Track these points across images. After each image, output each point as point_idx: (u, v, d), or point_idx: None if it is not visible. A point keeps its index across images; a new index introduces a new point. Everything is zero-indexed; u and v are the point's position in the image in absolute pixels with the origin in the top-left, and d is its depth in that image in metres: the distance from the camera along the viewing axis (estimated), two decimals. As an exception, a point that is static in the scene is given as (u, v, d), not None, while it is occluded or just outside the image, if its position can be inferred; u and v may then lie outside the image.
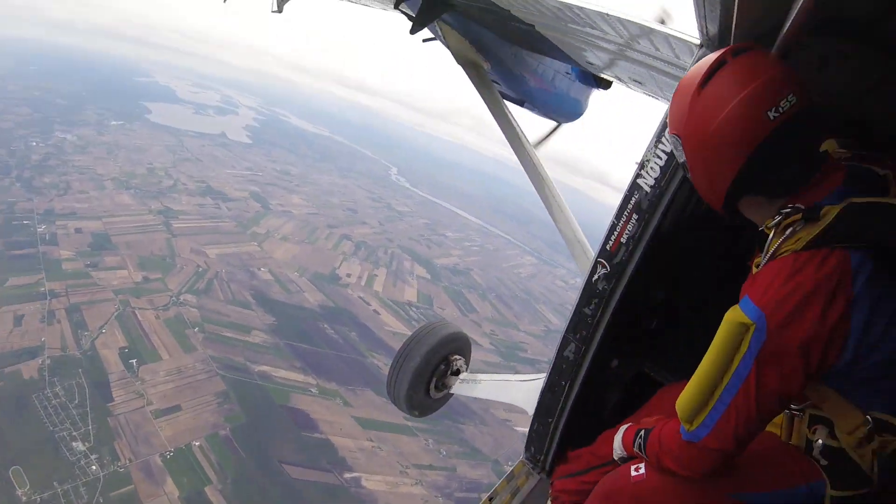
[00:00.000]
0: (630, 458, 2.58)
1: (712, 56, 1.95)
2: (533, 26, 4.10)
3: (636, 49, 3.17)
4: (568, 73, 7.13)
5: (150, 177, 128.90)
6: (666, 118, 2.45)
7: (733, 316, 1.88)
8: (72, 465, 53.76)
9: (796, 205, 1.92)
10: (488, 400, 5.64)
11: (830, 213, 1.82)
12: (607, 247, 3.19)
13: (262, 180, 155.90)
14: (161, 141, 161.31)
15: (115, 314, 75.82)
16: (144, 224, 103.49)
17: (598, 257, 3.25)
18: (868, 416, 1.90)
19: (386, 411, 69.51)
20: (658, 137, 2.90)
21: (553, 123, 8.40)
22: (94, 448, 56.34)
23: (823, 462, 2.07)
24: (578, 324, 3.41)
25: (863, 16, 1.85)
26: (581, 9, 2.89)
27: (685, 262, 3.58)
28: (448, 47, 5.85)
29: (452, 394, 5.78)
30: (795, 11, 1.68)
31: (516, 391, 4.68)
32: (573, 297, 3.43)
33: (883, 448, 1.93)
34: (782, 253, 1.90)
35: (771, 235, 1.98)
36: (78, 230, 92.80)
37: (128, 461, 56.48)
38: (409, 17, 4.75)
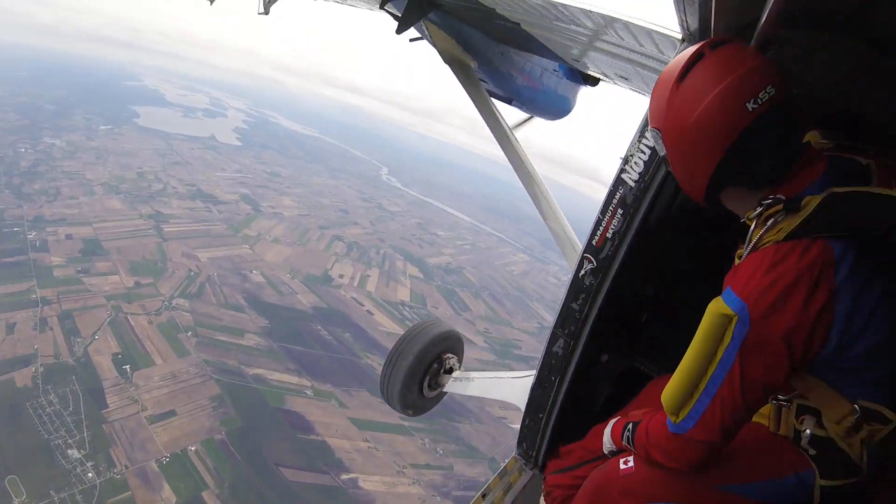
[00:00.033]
0: (620, 452, 2.59)
1: (690, 49, 1.96)
2: (518, 24, 4.12)
3: (620, 45, 3.18)
4: (555, 71, 7.16)
5: (139, 181, 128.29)
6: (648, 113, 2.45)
7: (716, 307, 1.88)
8: (68, 472, 53.41)
9: (777, 196, 1.93)
10: (483, 398, 5.65)
11: (811, 203, 1.83)
12: (593, 242, 3.22)
13: (252, 182, 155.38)
14: (150, 145, 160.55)
15: (108, 320, 75.40)
16: (135, 229, 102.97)
17: (584, 252, 3.27)
18: (856, 406, 1.91)
19: (381, 412, 69.29)
20: (641, 132, 2.93)
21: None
22: (90, 455, 55.99)
23: (812, 452, 2.08)
24: (566, 319, 3.43)
25: (843, 7, 1.86)
26: (564, 6, 2.90)
27: (674, 257, 3.61)
28: (435, 46, 5.84)
29: (446, 392, 5.80)
30: (772, 3, 1.69)
31: (509, 388, 4.69)
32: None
33: (871, 437, 1.94)
34: (764, 244, 1.91)
35: (752, 227, 2.00)
36: (68, 236, 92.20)
37: (124, 468, 56.14)
38: (395, 17, 4.76)
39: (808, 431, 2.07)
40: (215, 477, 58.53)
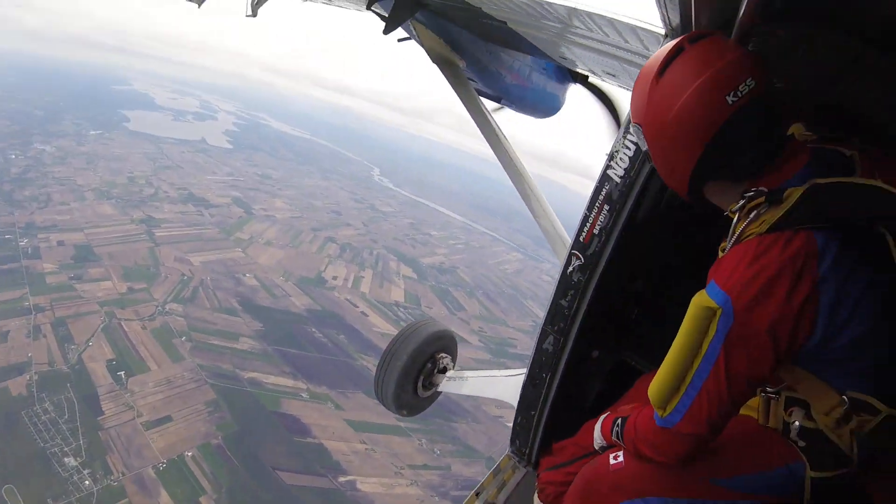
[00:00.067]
0: (610, 447, 2.59)
1: (670, 44, 1.96)
2: (505, 23, 4.12)
3: (606, 42, 3.18)
4: (544, 69, 7.15)
5: (130, 186, 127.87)
6: None
7: (700, 300, 1.87)
8: (65, 480, 53.19)
9: (759, 188, 1.93)
10: (479, 397, 5.67)
11: (794, 194, 1.83)
12: (580, 238, 3.23)
13: (243, 185, 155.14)
14: (141, 149, 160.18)
15: (101, 326, 75.07)
16: (127, 234, 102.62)
17: (571, 249, 3.29)
18: (844, 397, 1.90)
19: (378, 413, 69.19)
20: (626, 128, 2.94)
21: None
22: (87, 463, 55.79)
23: (801, 444, 2.07)
24: (556, 316, 3.46)
25: (827, 0, 1.87)
26: (549, 3, 2.91)
27: (663, 252, 3.63)
28: (423, 46, 5.83)
29: (440, 392, 5.81)
30: None
31: (503, 386, 4.70)
32: (556, 290, 3.43)
33: (861, 427, 1.92)
34: (747, 236, 1.90)
35: (735, 219, 1.99)
36: (60, 243, 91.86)
37: (121, 474, 55.99)
38: (382, 18, 4.76)
39: (796, 423, 2.06)
40: (212, 482, 58.45)
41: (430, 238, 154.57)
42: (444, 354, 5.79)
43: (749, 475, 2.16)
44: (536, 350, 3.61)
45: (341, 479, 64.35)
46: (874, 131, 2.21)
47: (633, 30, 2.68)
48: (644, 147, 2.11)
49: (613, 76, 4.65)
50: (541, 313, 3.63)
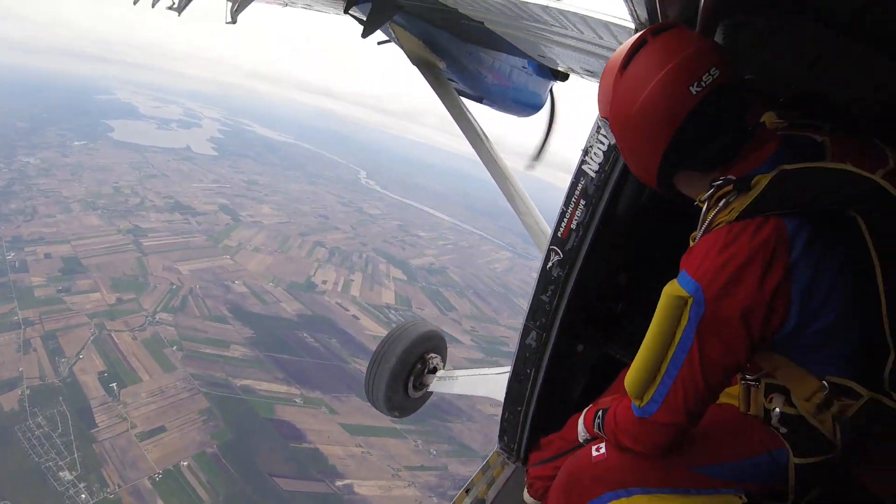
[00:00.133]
0: (594, 439, 2.60)
1: (634, 37, 1.97)
2: (482, 23, 4.14)
3: (581, 39, 3.19)
4: (525, 68, 7.18)
5: (116, 196, 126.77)
6: None
7: (671, 290, 1.87)
8: (61, 495, 52.61)
9: (728, 176, 1.92)
10: (473, 396, 5.71)
11: (762, 181, 1.81)
12: (558, 234, 3.27)
13: (230, 192, 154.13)
14: (125, 159, 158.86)
15: (92, 338, 74.36)
16: (114, 244, 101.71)
17: (550, 245, 3.32)
18: (824, 382, 1.88)
19: (372, 416, 68.55)
20: (598, 124, 2.95)
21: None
22: (82, 476, 55.19)
23: (783, 430, 2.07)
24: (537, 311, 3.48)
25: None
26: (523, 2, 2.92)
27: (647, 245, 3.62)
28: (402, 48, 5.88)
29: (431, 392, 5.85)
30: None
31: (493, 384, 4.73)
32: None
33: (843, 412, 1.89)
34: (716, 225, 1.89)
35: (704, 208, 1.97)
36: (47, 255, 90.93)
37: (117, 487, 55.46)
38: (360, 22, 4.79)
39: (777, 410, 2.07)
40: (209, 491, 58.02)
41: (418, 239, 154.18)
42: (433, 355, 5.82)
43: (731, 463, 2.17)
44: (520, 346, 3.65)
45: (338, 483, 64.03)
46: (847, 119, 2.24)
47: (606, 26, 2.69)
48: (612, 140, 2.13)
49: (592, 73, 4.64)
50: (529, 311, 3.66)
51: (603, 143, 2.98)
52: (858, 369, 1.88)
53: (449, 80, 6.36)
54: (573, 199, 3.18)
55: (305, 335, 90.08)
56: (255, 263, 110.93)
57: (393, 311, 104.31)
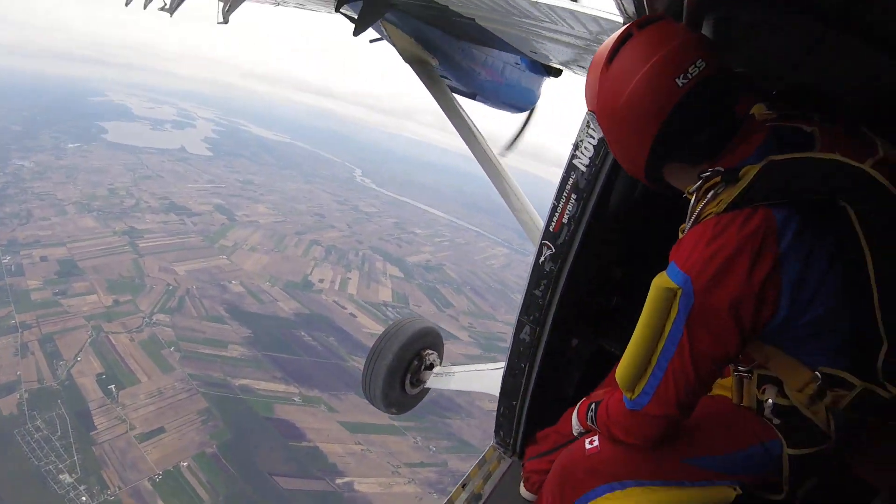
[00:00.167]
0: (588, 432, 2.59)
1: (619, 31, 1.95)
2: (474, 19, 4.12)
3: (572, 34, 3.18)
4: (517, 64, 7.18)
5: (111, 198, 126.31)
6: None
7: (660, 282, 1.86)
8: (61, 497, 52.56)
9: (716, 168, 1.91)
10: (471, 392, 5.72)
11: (750, 172, 1.80)
12: (550, 228, 3.26)
13: (225, 192, 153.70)
14: (120, 160, 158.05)
15: (89, 341, 74.15)
16: (110, 246, 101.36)
17: (542, 239, 3.32)
18: (817, 373, 1.89)
19: (372, 413, 68.39)
20: (588, 118, 2.96)
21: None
22: (82, 479, 55.12)
23: (776, 421, 2.09)
24: (530, 306, 3.49)
25: None
26: None
27: (641, 239, 3.62)
28: (395, 46, 5.85)
29: (428, 388, 5.86)
30: None
31: (489, 379, 4.74)
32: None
33: (836, 403, 1.91)
34: (705, 216, 1.88)
35: (693, 200, 1.96)
36: (43, 258, 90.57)
37: (117, 489, 55.41)
38: (351, 20, 4.77)
39: (770, 401, 2.08)
40: (210, 491, 58.00)
41: (415, 237, 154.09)
42: (430, 351, 5.82)
43: (724, 454, 2.18)
44: (514, 341, 3.66)
45: (339, 481, 64.04)
46: (837, 109, 2.25)
47: (595, 20, 2.68)
48: (599, 134, 2.13)
49: (584, 68, 4.67)
50: (527, 306, 3.65)
51: (593, 138, 2.97)
52: (850, 360, 1.88)
53: (442, 77, 6.35)
54: (564, 194, 3.17)
55: (303, 334, 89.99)
56: (251, 263, 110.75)
57: (390, 309, 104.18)
